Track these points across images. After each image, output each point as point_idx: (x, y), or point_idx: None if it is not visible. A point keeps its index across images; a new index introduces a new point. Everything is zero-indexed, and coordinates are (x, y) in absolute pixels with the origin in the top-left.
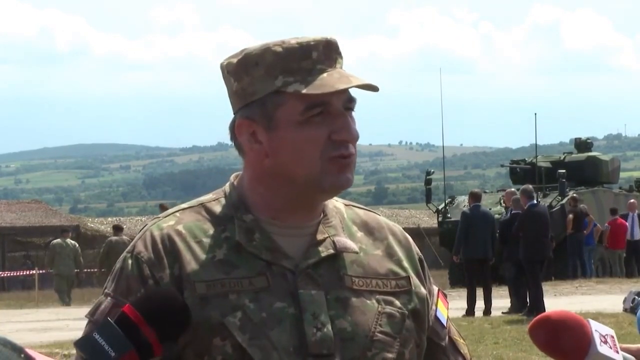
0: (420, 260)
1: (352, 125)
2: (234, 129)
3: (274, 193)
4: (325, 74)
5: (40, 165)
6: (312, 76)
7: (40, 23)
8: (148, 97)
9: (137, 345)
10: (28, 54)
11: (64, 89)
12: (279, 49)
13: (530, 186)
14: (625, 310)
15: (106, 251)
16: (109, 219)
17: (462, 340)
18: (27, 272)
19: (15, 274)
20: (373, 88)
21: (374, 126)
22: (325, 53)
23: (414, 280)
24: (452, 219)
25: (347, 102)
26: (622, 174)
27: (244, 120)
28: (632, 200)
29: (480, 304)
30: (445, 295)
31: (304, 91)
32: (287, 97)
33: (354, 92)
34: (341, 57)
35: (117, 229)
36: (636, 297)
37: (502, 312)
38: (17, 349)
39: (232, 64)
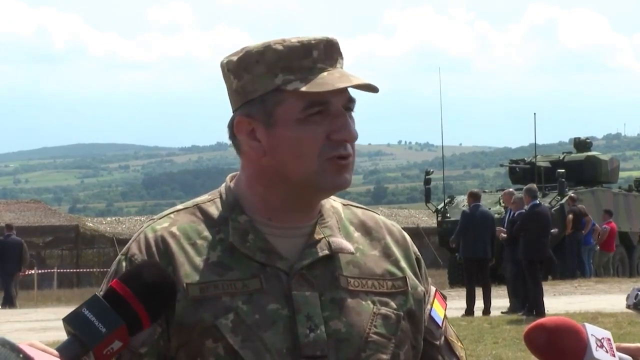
0: (417, 259)
1: (351, 125)
2: (232, 127)
3: (271, 192)
4: (325, 73)
5: (39, 165)
6: (313, 75)
7: (37, 22)
8: (147, 97)
9: (126, 319)
10: (26, 53)
11: (63, 89)
12: (280, 47)
13: (535, 186)
14: (628, 306)
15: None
16: (108, 218)
17: (459, 344)
18: (26, 272)
19: None
20: (373, 89)
21: (373, 126)
22: (325, 52)
23: (411, 280)
24: (452, 219)
25: (347, 102)
26: (622, 174)
27: (243, 117)
28: None
29: (479, 304)
30: (443, 297)
31: (303, 89)
32: (287, 95)
33: (353, 93)
34: (342, 58)
35: (9, 228)
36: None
37: (502, 312)
38: (16, 349)
39: (232, 62)
